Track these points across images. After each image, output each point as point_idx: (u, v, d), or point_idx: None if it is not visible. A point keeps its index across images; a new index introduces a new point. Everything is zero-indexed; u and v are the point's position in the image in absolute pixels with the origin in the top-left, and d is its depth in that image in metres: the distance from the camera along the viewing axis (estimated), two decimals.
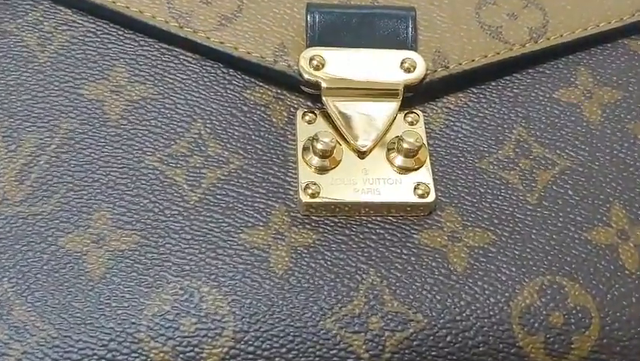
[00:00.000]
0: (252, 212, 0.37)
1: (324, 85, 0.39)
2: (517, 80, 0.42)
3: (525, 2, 0.43)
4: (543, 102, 0.42)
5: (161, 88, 0.40)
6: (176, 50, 0.41)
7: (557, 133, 0.41)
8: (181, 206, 0.37)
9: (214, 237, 0.36)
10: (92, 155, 0.38)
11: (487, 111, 0.41)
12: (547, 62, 0.43)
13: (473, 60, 0.41)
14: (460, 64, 0.41)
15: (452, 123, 0.41)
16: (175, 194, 0.37)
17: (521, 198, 0.39)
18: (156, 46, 0.41)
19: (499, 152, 0.40)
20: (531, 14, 0.43)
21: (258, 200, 0.37)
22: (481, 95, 0.42)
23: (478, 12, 0.42)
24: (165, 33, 0.41)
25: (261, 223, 0.37)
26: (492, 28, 0.42)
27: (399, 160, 0.38)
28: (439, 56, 0.41)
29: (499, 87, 0.42)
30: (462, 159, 0.39)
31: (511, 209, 0.38)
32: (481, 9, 0.42)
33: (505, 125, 0.41)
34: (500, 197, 0.38)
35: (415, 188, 0.37)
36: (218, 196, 0.37)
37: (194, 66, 0.41)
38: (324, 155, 0.37)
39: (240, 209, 0.37)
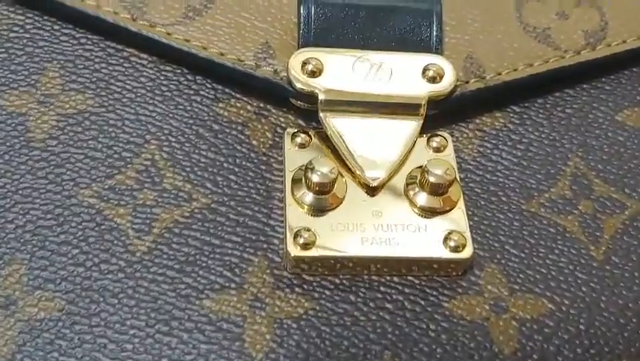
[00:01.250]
0: (220, 269, 0.27)
1: (321, 97, 0.29)
2: (571, 97, 0.33)
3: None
4: (604, 126, 0.32)
5: (105, 99, 0.30)
6: (128, 50, 0.31)
7: (624, 166, 0.31)
8: (123, 259, 0.27)
9: (167, 303, 0.26)
10: (7, 186, 0.28)
11: (532, 136, 0.31)
12: (607, 75, 0.33)
13: (516, 70, 0.31)
14: (500, 74, 0.31)
15: (489, 151, 0.31)
16: (116, 242, 0.27)
17: (584, 252, 0.29)
18: (102, 45, 0.32)
19: (552, 190, 0.30)
20: (585, 14, 0.33)
21: (230, 252, 0.27)
22: (525, 116, 0.32)
23: (519, 9, 0.33)
24: (114, 28, 0.31)
25: (233, 285, 0.26)
26: (538, 30, 0.32)
27: (422, 199, 0.28)
28: (472, 63, 0.31)
29: (548, 106, 0.32)
30: (504, 199, 0.30)
31: (571, 267, 0.28)
32: (523, 6, 0.33)
33: (558, 155, 0.31)
34: (557, 251, 0.29)
35: (445, 238, 0.27)
36: (175, 246, 0.27)
37: (150, 71, 0.31)
38: (322, 190, 0.27)
39: (204, 264, 0.27)
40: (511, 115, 0.32)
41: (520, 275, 0.28)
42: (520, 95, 0.32)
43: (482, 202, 0.30)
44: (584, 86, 0.33)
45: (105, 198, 0.28)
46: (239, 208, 0.28)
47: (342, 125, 0.29)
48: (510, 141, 0.31)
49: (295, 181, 0.28)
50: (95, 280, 0.26)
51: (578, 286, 0.28)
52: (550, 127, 0.32)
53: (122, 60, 0.31)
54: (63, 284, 0.26)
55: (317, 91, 0.29)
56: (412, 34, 0.31)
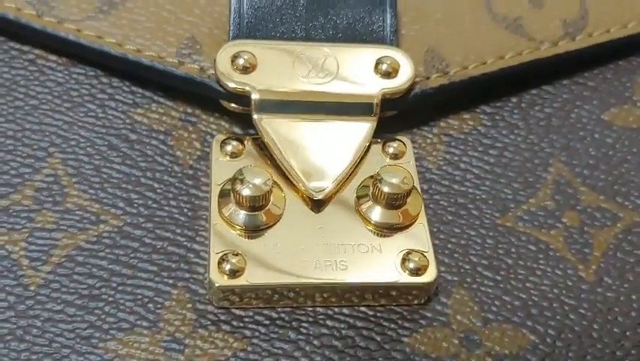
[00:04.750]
0: (130, 304, 0.22)
1: (254, 97, 0.24)
2: (550, 95, 0.29)
3: None
4: (589, 127, 0.28)
5: (4, 107, 0.26)
6: (35, 52, 0.27)
7: (614, 171, 0.27)
8: (14, 294, 0.22)
9: (64, 346, 0.21)
10: None
11: (507, 140, 0.27)
12: (590, 70, 0.29)
13: (484, 63, 0.27)
14: (466, 67, 0.27)
15: (457, 158, 0.26)
16: (6, 274, 0.22)
17: (571, 273, 0.24)
18: (4, 46, 0.27)
19: (531, 200, 0.26)
20: (562, 2, 0.29)
21: (144, 284, 0.22)
22: (498, 117, 0.28)
23: None
24: (17, 26, 0.26)
25: (146, 323, 0.22)
26: (508, 19, 0.28)
27: (377, 214, 0.23)
28: (434, 56, 0.27)
29: (524, 105, 0.28)
30: (475, 213, 0.25)
31: (556, 291, 0.24)
32: None
33: (537, 161, 0.27)
34: (539, 272, 0.24)
35: (403, 259, 0.23)
36: (76, 277, 0.22)
37: (59, 74, 0.27)
38: (254, 206, 0.23)
39: (110, 299, 0.22)
40: (482, 116, 0.28)
41: (496, 302, 0.23)
42: (491, 94, 0.28)
43: (449, 217, 0.25)
44: (565, 82, 0.29)
45: None
46: (157, 231, 0.24)
47: (280, 130, 0.24)
48: (481, 146, 0.27)
49: (223, 195, 0.23)
50: None
51: (565, 314, 0.23)
52: (528, 129, 0.27)
53: (26, 63, 0.27)
54: None
55: (250, 90, 0.25)
56: (361, 23, 0.26)
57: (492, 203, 0.25)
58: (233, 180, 0.23)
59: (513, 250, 0.25)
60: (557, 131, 0.27)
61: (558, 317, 0.23)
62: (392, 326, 0.23)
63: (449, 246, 0.24)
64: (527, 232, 0.25)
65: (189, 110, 0.26)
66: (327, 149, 0.24)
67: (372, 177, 0.24)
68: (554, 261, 0.24)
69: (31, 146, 0.25)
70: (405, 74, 0.25)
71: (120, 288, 0.22)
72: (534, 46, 0.28)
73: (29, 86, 0.26)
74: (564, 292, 0.24)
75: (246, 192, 0.22)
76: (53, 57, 0.27)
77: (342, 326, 0.22)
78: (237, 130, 0.26)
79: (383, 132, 0.26)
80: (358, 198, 0.24)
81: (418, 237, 0.23)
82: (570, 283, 0.24)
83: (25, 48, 0.27)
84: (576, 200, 0.26)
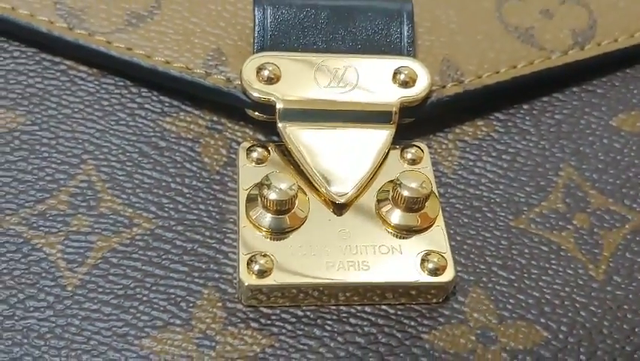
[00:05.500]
0: (164, 303, 0.23)
1: (279, 106, 0.26)
2: (560, 102, 0.30)
3: None
4: (598, 132, 0.29)
5: (38, 116, 0.27)
6: (66, 62, 0.28)
7: (622, 175, 0.28)
8: (52, 294, 0.23)
9: (102, 344, 0.23)
10: None
11: (519, 145, 0.28)
12: (598, 77, 0.30)
13: (497, 72, 0.28)
14: (480, 77, 0.28)
15: (471, 163, 0.28)
16: (44, 275, 0.23)
17: (582, 272, 0.25)
18: (36, 58, 0.28)
19: (543, 203, 0.27)
20: (572, 12, 0.30)
21: (176, 284, 0.24)
22: (510, 123, 0.29)
23: (499, 9, 0.30)
24: (49, 38, 0.28)
25: (179, 321, 0.23)
26: (520, 29, 0.29)
27: (396, 216, 0.24)
28: (449, 66, 0.28)
29: (535, 112, 0.29)
30: (489, 216, 0.26)
31: (568, 289, 0.25)
32: (503, 5, 0.30)
33: (548, 166, 0.28)
34: (551, 271, 0.25)
35: (422, 260, 0.24)
36: (111, 278, 0.24)
37: (90, 85, 0.28)
38: (281, 209, 0.24)
39: (145, 298, 0.23)
40: (495, 123, 0.29)
41: (510, 300, 0.24)
42: (503, 101, 0.29)
43: (465, 219, 0.26)
44: (574, 89, 0.30)
45: (34, 224, 0.24)
46: (187, 234, 0.25)
47: (303, 137, 0.26)
48: (494, 151, 0.28)
49: (250, 200, 0.24)
50: (19, 319, 0.23)
51: (577, 311, 0.25)
52: (539, 135, 0.29)
53: (58, 73, 0.28)
54: None
55: (274, 100, 0.26)
56: (379, 35, 0.27)
57: (505, 206, 0.27)
58: (260, 185, 0.24)
59: (526, 250, 0.26)
60: (567, 137, 0.29)
61: (570, 314, 0.24)
62: (412, 323, 0.24)
63: (465, 247, 0.25)
64: (539, 233, 0.26)
65: (215, 119, 0.27)
66: (348, 155, 0.25)
67: (391, 181, 0.25)
68: (565, 261, 0.26)
69: (65, 153, 0.26)
70: (422, 84, 0.26)
71: (154, 288, 0.23)
72: (545, 55, 0.29)
73: (62, 95, 0.27)
74: (575, 290, 0.25)
75: (272, 196, 0.24)
76: (84, 68, 0.28)
77: (365, 323, 0.23)
78: (261, 137, 0.27)
79: (400, 138, 0.27)
80: (378, 201, 0.25)
81: (437, 239, 0.24)
82: (581, 282, 0.25)
83: (57, 59, 0.28)
84: (586, 203, 0.27)
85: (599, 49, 0.30)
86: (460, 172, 0.27)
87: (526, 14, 0.30)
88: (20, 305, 0.23)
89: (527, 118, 0.29)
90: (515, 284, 0.25)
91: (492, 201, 0.27)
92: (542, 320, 0.24)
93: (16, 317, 0.23)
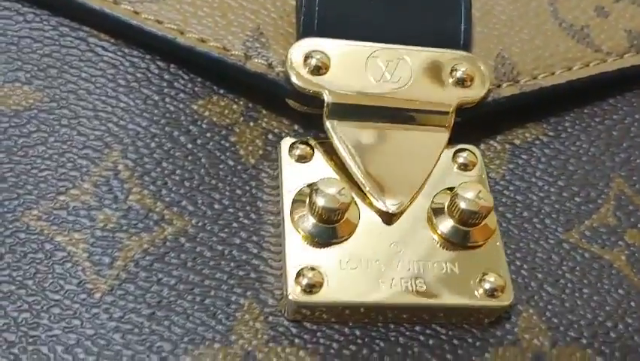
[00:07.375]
0: (201, 315, 0.21)
1: (329, 100, 0.23)
2: (610, 106, 0.28)
3: None
4: None
5: (56, 91, 0.24)
6: (85, 30, 0.25)
7: None
8: (78, 301, 0.21)
9: (133, 360, 0.20)
10: None
11: (569, 152, 0.27)
12: None
13: (553, 74, 0.26)
14: (535, 77, 0.26)
15: (521, 169, 0.26)
16: (69, 279, 0.21)
17: (633, 293, 0.24)
18: (52, 22, 0.25)
19: (594, 216, 0.25)
20: (627, 11, 0.29)
21: (213, 293, 0.22)
22: (560, 127, 0.27)
23: (553, 3, 0.28)
24: (70, 5, 0.25)
25: (218, 336, 0.21)
26: (575, 28, 0.27)
27: (452, 230, 0.23)
28: (504, 63, 0.26)
29: (585, 116, 0.28)
30: (539, 227, 0.25)
31: (620, 312, 0.24)
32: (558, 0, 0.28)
33: (598, 175, 0.26)
34: (602, 291, 0.24)
35: (480, 280, 0.22)
36: (142, 284, 0.21)
37: (114, 58, 0.25)
38: (330, 218, 0.22)
39: (179, 310, 0.21)
40: (545, 126, 0.27)
41: (563, 322, 0.23)
42: (554, 104, 0.27)
43: (515, 231, 0.25)
44: (626, 94, 0.28)
45: (56, 221, 0.22)
46: (222, 235, 0.23)
47: (351, 136, 0.24)
48: (544, 156, 0.26)
49: (296, 204, 0.22)
50: (45, 330, 0.20)
51: (630, 336, 0.23)
52: (589, 141, 0.27)
53: (77, 41, 0.25)
54: (3, 336, 0.20)
55: (323, 92, 0.24)
56: (434, 26, 0.25)
57: (555, 217, 0.25)
58: (310, 191, 0.22)
59: (577, 267, 0.24)
60: (617, 145, 0.27)
61: (623, 339, 0.23)
62: (464, 345, 0.22)
63: (516, 263, 0.24)
64: (591, 249, 0.25)
65: (250, 105, 0.25)
66: (400, 159, 0.23)
67: (447, 190, 0.23)
68: (617, 280, 0.24)
69: (87, 136, 0.24)
70: (481, 83, 0.25)
71: (189, 298, 0.21)
72: (601, 58, 0.27)
73: (82, 67, 0.25)
74: (627, 312, 0.24)
75: (322, 202, 0.22)
76: (107, 38, 0.25)
77: (415, 343, 0.22)
78: (299, 129, 0.25)
79: (452, 140, 0.25)
80: (433, 211, 0.23)
81: (494, 256, 0.23)
82: (633, 305, 0.24)
83: (75, 25, 0.25)
84: (637, 218, 0.26)
85: None
86: (508, 177, 0.26)
87: (580, 11, 0.28)
88: (45, 314, 0.21)
89: (577, 122, 0.27)
90: (567, 304, 0.24)
91: (542, 211, 0.25)
92: (596, 345, 0.23)
93: (38, 326, 0.20)
